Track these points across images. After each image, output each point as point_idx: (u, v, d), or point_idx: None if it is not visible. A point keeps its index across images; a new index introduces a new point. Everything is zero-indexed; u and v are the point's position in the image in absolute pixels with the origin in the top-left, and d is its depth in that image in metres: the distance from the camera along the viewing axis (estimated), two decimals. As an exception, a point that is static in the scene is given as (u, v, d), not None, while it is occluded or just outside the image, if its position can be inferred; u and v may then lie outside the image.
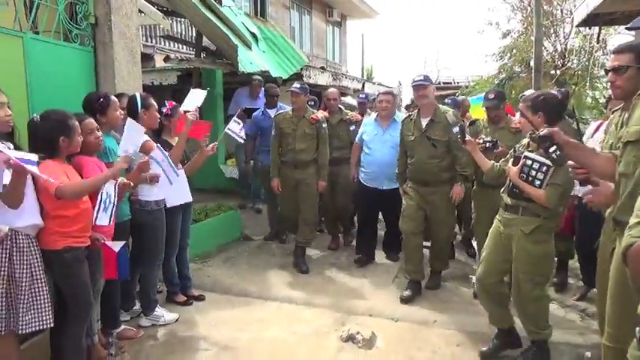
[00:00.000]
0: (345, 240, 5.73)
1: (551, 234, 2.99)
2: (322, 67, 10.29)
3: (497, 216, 3.18)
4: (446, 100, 5.65)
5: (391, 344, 3.40)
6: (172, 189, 3.54)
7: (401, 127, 4.34)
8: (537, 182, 2.82)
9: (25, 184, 2.34)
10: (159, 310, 3.72)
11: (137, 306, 3.77)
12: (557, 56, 14.84)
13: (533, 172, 2.83)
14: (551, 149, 2.31)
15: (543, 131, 2.35)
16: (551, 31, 14.51)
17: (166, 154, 3.39)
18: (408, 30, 63.86)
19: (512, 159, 3.09)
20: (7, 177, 2.18)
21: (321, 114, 4.96)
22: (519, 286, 2.98)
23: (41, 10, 3.43)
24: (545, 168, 2.79)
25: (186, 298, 4.07)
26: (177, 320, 3.74)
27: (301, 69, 8.33)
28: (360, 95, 6.31)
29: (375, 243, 5.19)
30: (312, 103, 5.66)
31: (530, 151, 2.96)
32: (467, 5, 63.27)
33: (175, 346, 3.41)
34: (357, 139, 5.08)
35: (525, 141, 3.12)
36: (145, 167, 3.16)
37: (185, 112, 3.72)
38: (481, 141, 3.44)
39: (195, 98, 3.84)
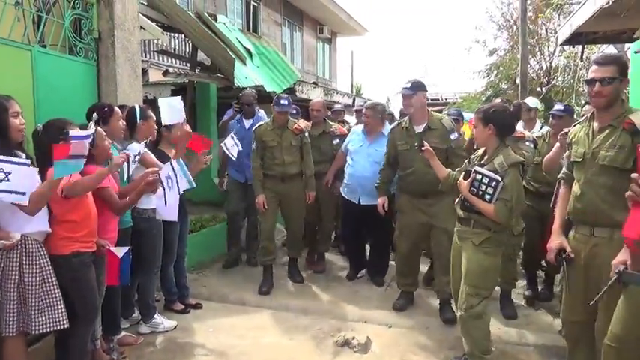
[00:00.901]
0: (317, 265, 5.29)
1: (500, 247, 2.97)
2: (314, 83, 10.48)
3: (455, 228, 3.16)
4: (450, 111, 5.49)
5: (386, 348, 3.50)
6: (162, 203, 3.58)
7: (390, 136, 4.08)
8: (487, 197, 2.78)
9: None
10: (158, 318, 3.78)
11: (136, 313, 3.83)
12: (542, 74, 15.29)
13: (483, 187, 2.79)
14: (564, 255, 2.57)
15: (551, 251, 2.60)
16: (537, 49, 14.95)
17: (178, 168, 3.34)
18: (397, 47, 64.97)
19: (463, 172, 3.04)
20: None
21: (303, 123, 4.81)
22: (466, 300, 2.92)
23: (48, 25, 3.57)
24: (494, 183, 2.75)
25: (183, 307, 4.14)
26: (175, 327, 3.81)
27: (294, 84, 8.51)
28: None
29: (364, 256, 5.06)
30: (295, 111, 5.33)
31: (481, 165, 2.92)
32: (454, 24, 64.52)
33: (175, 352, 3.48)
34: (342, 146, 4.94)
35: (480, 152, 3.08)
36: (152, 183, 3.11)
37: (166, 125, 3.70)
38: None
39: (173, 109, 3.61)
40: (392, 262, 5.12)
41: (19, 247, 2.48)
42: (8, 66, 3.16)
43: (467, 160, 3.18)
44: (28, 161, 2.29)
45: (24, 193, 2.26)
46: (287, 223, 4.94)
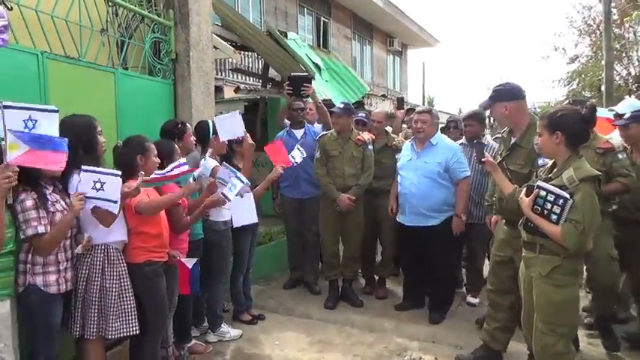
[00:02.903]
0: (378, 291, 4.89)
1: (576, 277, 2.54)
2: (383, 95, 10.44)
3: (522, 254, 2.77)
4: (447, 119, 4.81)
5: (454, 371, 3.36)
6: (239, 210, 3.69)
7: (498, 146, 3.59)
8: (554, 217, 2.41)
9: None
10: (224, 327, 3.89)
11: (206, 323, 3.95)
12: (631, 80, 14.24)
13: (549, 205, 2.42)
14: None
15: None
16: (623, 54, 13.97)
17: (233, 170, 3.31)
18: (470, 57, 63.35)
19: (525, 188, 2.63)
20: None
21: (367, 135, 4.58)
22: (541, 338, 2.58)
23: (130, 49, 3.84)
24: (561, 201, 2.38)
25: (251, 317, 4.23)
26: (241, 336, 3.90)
27: (363, 97, 8.54)
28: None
29: (422, 287, 4.50)
30: (366, 121, 4.92)
31: (549, 178, 2.53)
32: (531, 31, 61.92)
33: (242, 362, 3.55)
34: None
35: (549, 164, 2.66)
36: (215, 202, 3.25)
37: (238, 140, 3.76)
38: None
39: (232, 124, 3.56)
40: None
41: (102, 254, 2.65)
42: (94, 87, 3.42)
43: (534, 173, 2.76)
44: (119, 172, 2.50)
45: (115, 202, 2.47)
46: (344, 238, 4.67)
